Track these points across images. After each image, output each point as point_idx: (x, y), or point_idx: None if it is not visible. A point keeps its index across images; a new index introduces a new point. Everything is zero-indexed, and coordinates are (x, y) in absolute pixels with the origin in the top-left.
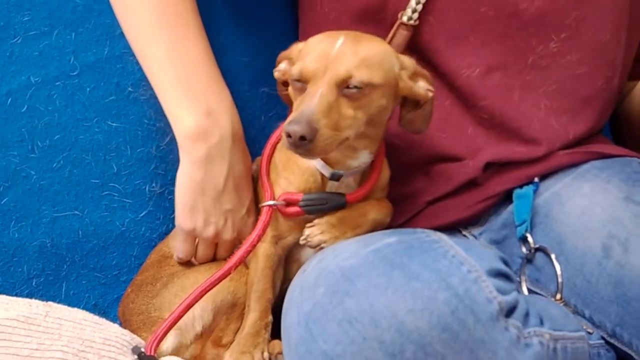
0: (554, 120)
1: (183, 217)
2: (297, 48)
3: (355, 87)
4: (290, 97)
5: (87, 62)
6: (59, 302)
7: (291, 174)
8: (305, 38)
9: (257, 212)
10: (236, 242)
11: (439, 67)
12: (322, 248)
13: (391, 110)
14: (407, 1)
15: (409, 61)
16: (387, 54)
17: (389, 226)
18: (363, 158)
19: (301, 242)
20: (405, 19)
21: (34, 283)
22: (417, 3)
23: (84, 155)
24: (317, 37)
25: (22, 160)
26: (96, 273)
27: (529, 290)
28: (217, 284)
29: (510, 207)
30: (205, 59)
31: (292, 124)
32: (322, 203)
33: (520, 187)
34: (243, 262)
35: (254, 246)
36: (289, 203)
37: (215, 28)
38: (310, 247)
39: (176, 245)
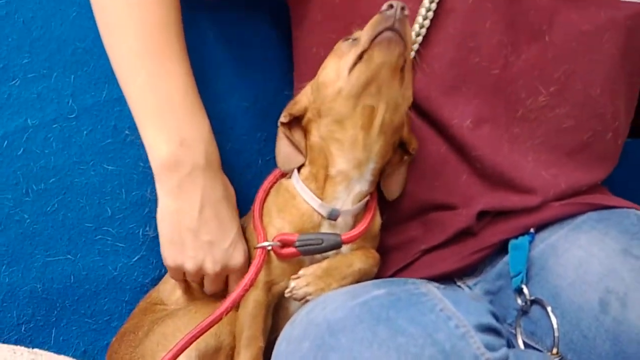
0: (544, 172)
1: (164, 250)
2: (307, 86)
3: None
4: (307, 135)
5: (85, 105)
6: (47, 349)
7: (288, 215)
8: (301, 80)
9: (249, 249)
10: (224, 276)
11: (432, 115)
12: (307, 300)
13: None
14: None
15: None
16: None
17: (380, 276)
18: (366, 176)
19: (286, 295)
20: None
21: (22, 329)
22: (411, 51)
23: (79, 199)
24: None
25: (15, 203)
26: (87, 319)
27: (525, 344)
28: (207, 329)
29: (506, 258)
30: (185, 89)
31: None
32: (318, 243)
33: (516, 237)
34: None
35: (246, 290)
36: (284, 244)
37: (216, 73)
38: (296, 299)
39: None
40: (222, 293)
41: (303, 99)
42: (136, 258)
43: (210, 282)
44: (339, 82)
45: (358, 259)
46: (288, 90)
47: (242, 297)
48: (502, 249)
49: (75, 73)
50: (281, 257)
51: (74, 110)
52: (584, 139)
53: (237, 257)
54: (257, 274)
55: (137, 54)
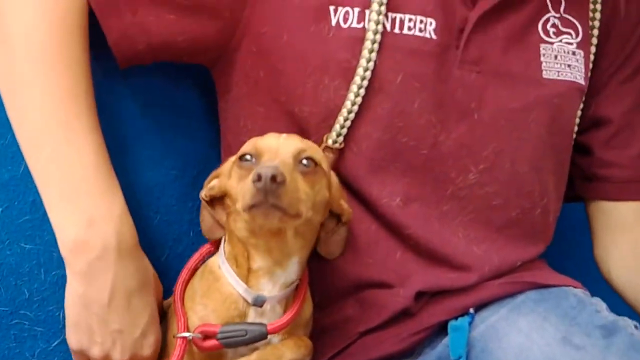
0: (475, 248)
1: (69, 334)
2: (228, 162)
3: (308, 159)
4: (232, 196)
5: (1, 180)
6: None
7: (211, 301)
8: (228, 150)
9: (168, 335)
10: None
11: (360, 193)
12: None
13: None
14: (327, 125)
15: (335, 177)
16: (323, 155)
17: None
18: (292, 268)
19: None
20: (330, 142)
21: None
22: (342, 127)
23: None
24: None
25: None
26: None
27: None
28: None
29: (446, 340)
30: (95, 165)
31: (262, 168)
32: (242, 334)
33: (455, 318)
34: None
35: None
36: (205, 336)
37: (141, 141)
38: None
39: None
40: None
41: (223, 180)
42: (56, 342)
43: None
44: (239, 205)
45: (289, 350)
46: (217, 160)
47: None
48: (442, 329)
49: None
50: (202, 349)
51: None
52: (512, 216)
53: (148, 347)
54: None
55: (41, 127)
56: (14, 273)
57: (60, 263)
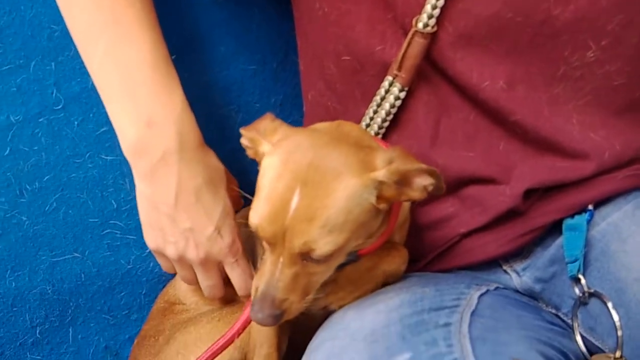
0: (592, 134)
1: (146, 235)
2: (266, 127)
3: (319, 258)
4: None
5: (71, 94)
6: (66, 349)
7: None
8: (306, 41)
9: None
10: (216, 266)
11: (457, 79)
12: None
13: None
14: (418, 3)
15: (391, 170)
16: (355, 194)
17: (416, 264)
18: None
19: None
20: (420, 25)
21: (37, 331)
22: (434, 8)
23: (79, 194)
24: (276, 164)
25: (11, 206)
26: (104, 315)
27: (583, 338)
28: (221, 352)
29: (560, 240)
30: (153, 60)
31: (257, 312)
32: None
33: (572, 216)
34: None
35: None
36: None
37: (215, 38)
38: (315, 310)
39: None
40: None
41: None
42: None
43: (201, 273)
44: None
45: (382, 260)
46: (295, 51)
47: (249, 322)
48: (555, 228)
49: (55, 60)
50: None
51: (60, 100)
52: (636, 97)
53: (222, 243)
54: None
55: (95, 23)
56: (98, 185)
57: None
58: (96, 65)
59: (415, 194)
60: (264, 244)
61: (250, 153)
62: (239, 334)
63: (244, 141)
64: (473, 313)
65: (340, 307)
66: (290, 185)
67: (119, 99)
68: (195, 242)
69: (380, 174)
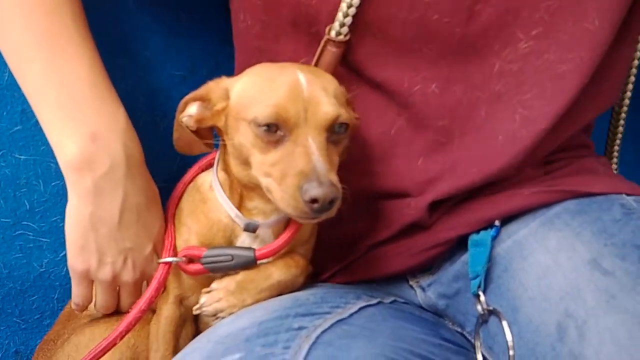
0: (525, 131)
1: (74, 257)
2: (219, 87)
3: (341, 126)
4: (235, 145)
5: None
6: None
7: (196, 223)
8: (238, 47)
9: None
10: (141, 286)
11: (387, 85)
12: (219, 317)
13: None
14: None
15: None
16: (338, 85)
17: (319, 276)
18: None
19: (194, 312)
20: (333, 34)
21: None
22: (345, 16)
23: None
24: (258, 73)
25: None
26: (15, 318)
27: (484, 358)
28: (105, 353)
29: (465, 256)
30: (91, 76)
31: (316, 187)
32: (227, 260)
33: (478, 232)
34: (151, 306)
35: (143, 312)
36: (190, 259)
37: (144, 42)
38: (207, 316)
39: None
40: None
41: (215, 115)
42: (63, 253)
43: (128, 293)
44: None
45: (278, 270)
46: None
47: (139, 319)
48: (463, 243)
49: None
50: (187, 273)
51: None
52: (584, 82)
53: (155, 263)
54: (157, 291)
55: (30, 43)
56: (11, 184)
57: (59, 174)
58: (32, 84)
59: (355, 121)
60: (279, 133)
61: (197, 118)
62: (122, 337)
63: (188, 111)
64: (341, 320)
65: (231, 314)
66: (289, 72)
67: (57, 115)
68: (133, 262)
69: None
